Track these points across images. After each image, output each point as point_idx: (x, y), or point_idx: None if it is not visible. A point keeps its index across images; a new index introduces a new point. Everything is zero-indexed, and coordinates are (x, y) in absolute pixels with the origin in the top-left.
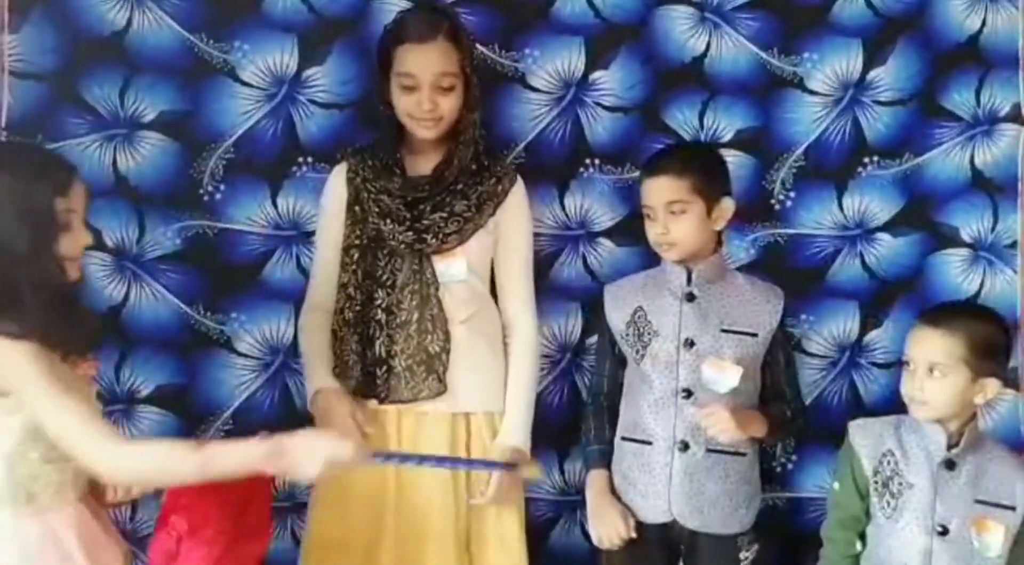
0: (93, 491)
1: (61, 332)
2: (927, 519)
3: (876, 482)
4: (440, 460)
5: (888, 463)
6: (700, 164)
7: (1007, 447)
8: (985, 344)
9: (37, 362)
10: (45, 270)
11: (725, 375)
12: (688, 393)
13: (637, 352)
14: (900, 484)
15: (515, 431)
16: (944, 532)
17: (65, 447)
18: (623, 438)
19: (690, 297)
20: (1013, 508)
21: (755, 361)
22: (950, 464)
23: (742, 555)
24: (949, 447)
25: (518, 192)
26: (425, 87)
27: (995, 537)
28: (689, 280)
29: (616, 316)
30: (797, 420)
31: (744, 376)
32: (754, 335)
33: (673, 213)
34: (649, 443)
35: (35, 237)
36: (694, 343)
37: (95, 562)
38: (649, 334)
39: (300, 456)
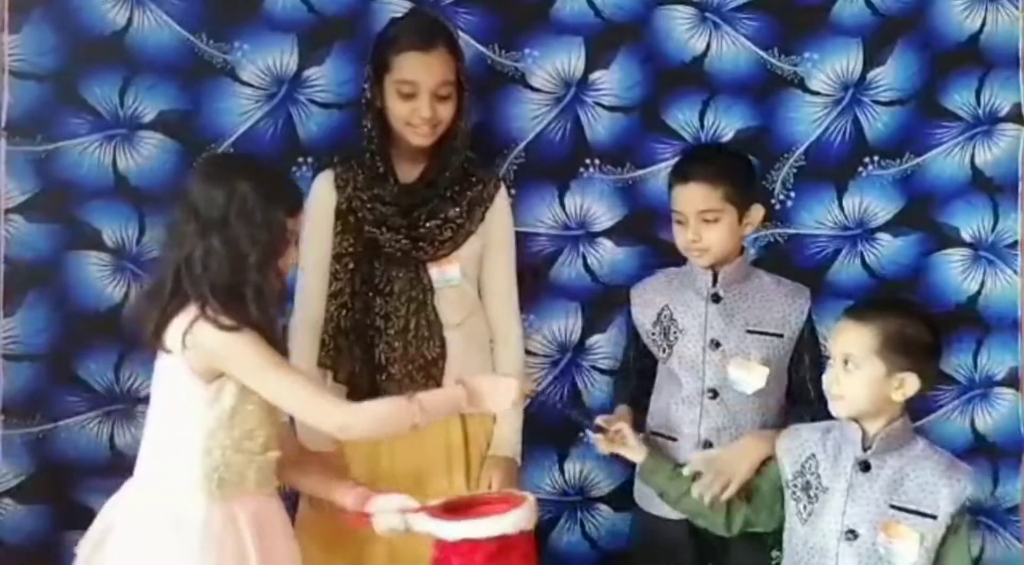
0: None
1: (267, 335)
2: (838, 523)
3: (795, 487)
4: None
5: (809, 467)
6: (733, 172)
7: (944, 452)
8: (900, 338)
9: (257, 345)
10: (267, 280)
11: (752, 376)
12: (714, 393)
13: (664, 351)
14: (816, 488)
15: (507, 442)
16: (853, 537)
17: (298, 415)
18: (652, 432)
19: (716, 298)
20: (934, 516)
21: (781, 361)
22: (865, 466)
23: (775, 553)
24: (865, 448)
25: (502, 196)
26: (425, 94)
27: (908, 545)
28: (715, 281)
29: (643, 316)
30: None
31: (770, 376)
32: (780, 336)
33: (706, 221)
34: (675, 439)
35: (266, 249)
36: (720, 344)
37: (266, 554)
38: (675, 333)
39: (495, 393)
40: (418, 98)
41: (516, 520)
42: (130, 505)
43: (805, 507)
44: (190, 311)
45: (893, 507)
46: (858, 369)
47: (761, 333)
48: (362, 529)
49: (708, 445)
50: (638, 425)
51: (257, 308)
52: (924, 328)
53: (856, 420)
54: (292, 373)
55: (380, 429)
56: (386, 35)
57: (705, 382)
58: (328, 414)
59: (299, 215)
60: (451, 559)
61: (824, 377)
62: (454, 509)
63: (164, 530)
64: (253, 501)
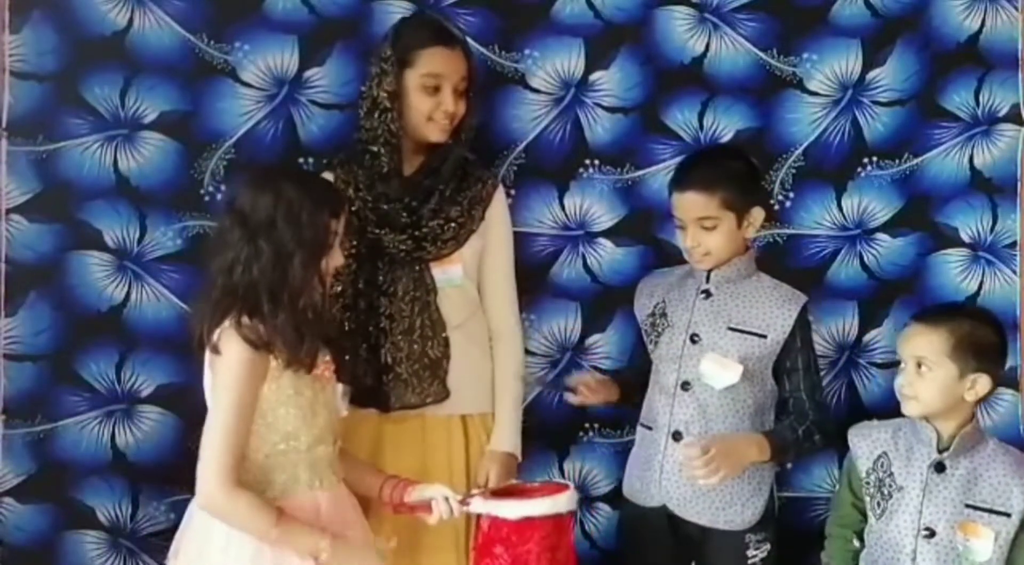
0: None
1: (301, 338)
2: (915, 522)
3: (868, 484)
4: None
5: (882, 465)
6: (729, 178)
7: (1014, 451)
8: (970, 340)
9: (245, 369)
10: (310, 280)
11: (725, 372)
12: (687, 385)
13: (652, 342)
14: (891, 486)
15: (507, 437)
16: (930, 535)
17: (200, 454)
18: (640, 423)
19: (706, 294)
20: (1008, 514)
21: (762, 363)
22: (940, 466)
23: (749, 553)
24: (940, 449)
25: (500, 195)
26: (449, 88)
27: (984, 543)
28: (708, 278)
29: (640, 307)
30: (813, 436)
31: (748, 376)
32: (763, 336)
33: (705, 228)
34: (650, 428)
35: (311, 250)
36: (700, 338)
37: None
38: (664, 326)
39: (355, 557)
40: (442, 92)
41: (568, 501)
42: (199, 512)
43: (879, 504)
44: (230, 319)
45: (968, 506)
46: (931, 371)
47: (743, 332)
48: (406, 515)
49: (677, 435)
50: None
51: (291, 310)
52: (991, 331)
53: (928, 421)
54: (234, 420)
55: (236, 523)
56: (404, 34)
57: (680, 374)
58: (208, 477)
59: (342, 217)
60: (510, 537)
61: (896, 381)
62: (502, 494)
63: (221, 533)
64: (305, 499)
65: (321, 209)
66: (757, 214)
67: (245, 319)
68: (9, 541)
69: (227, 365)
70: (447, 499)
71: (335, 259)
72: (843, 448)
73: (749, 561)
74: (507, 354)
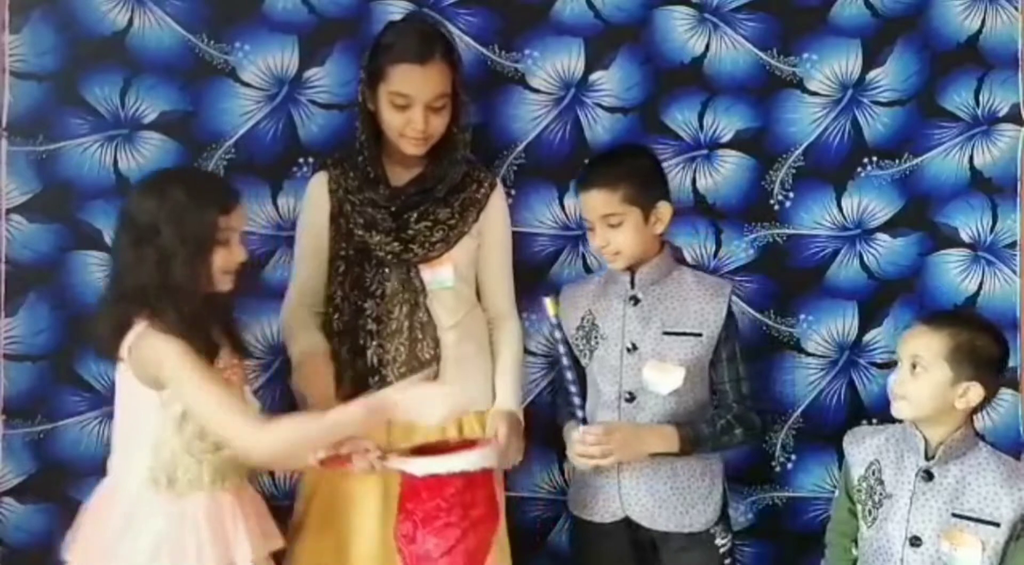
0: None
1: (202, 335)
2: (903, 530)
3: (860, 491)
4: None
5: (873, 473)
6: (630, 173)
7: (1007, 459)
8: (969, 346)
9: (188, 355)
10: (196, 278)
11: (667, 377)
12: (631, 397)
13: (585, 356)
14: (881, 494)
15: (509, 396)
16: (917, 543)
17: (212, 431)
18: None
19: (634, 300)
20: (997, 524)
21: (702, 360)
22: (928, 475)
23: (718, 541)
24: (928, 457)
25: (498, 196)
26: (419, 107)
27: (971, 553)
28: (633, 284)
29: (569, 319)
30: (733, 430)
31: (690, 377)
32: (698, 335)
33: (611, 225)
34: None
35: (194, 247)
36: (636, 347)
37: (222, 547)
38: (596, 338)
39: (420, 405)
40: (412, 110)
41: (477, 458)
42: (94, 504)
43: (870, 511)
44: (135, 323)
45: (955, 515)
46: (925, 372)
47: (678, 334)
48: (336, 470)
49: None
50: None
51: (186, 306)
52: (992, 341)
53: (918, 428)
54: (213, 388)
55: (287, 451)
56: (382, 42)
57: (622, 386)
58: (238, 433)
59: (235, 212)
60: (421, 493)
61: (889, 379)
62: (425, 451)
63: (117, 527)
64: (205, 495)
65: (206, 206)
66: (664, 209)
67: (145, 319)
68: (9, 541)
69: (172, 357)
70: (367, 451)
71: (234, 255)
72: (838, 447)
73: (721, 550)
74: (508, 338)
